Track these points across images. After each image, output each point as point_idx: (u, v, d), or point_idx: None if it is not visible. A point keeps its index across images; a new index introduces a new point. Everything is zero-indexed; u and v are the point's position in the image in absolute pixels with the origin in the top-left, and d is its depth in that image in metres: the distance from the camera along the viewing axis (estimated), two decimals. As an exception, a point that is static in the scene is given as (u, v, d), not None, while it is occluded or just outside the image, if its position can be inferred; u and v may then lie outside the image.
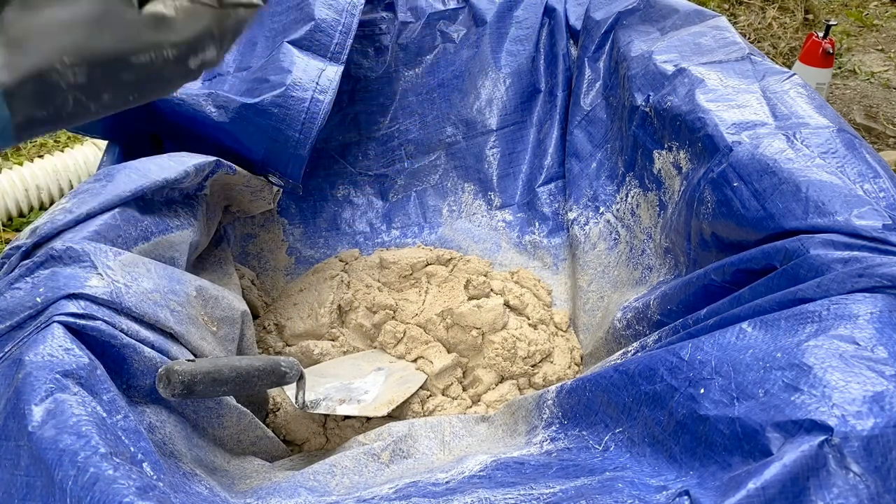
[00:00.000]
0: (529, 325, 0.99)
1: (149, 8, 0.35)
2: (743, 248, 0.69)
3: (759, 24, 2.33)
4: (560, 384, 0.71)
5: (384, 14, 1.24)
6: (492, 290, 1.01)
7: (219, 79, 1.02)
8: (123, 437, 0.54)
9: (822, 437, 0.44)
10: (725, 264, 0.69)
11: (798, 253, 0.61)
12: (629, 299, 0.91)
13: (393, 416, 0.88)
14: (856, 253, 0.58)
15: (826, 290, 0.55)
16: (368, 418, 0.88)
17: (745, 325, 0.57)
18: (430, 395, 0.92)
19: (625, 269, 0.98)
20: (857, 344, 0.50)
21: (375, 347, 0.99)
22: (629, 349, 0.78)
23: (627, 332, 0.87)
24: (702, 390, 0.54)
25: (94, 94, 0.33)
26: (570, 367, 0.97)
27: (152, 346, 0.64)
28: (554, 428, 0.69)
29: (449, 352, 0.97)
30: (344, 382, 0.89)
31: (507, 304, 1.00)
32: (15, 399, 0.52)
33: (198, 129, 0.97)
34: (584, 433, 0.64)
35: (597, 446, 0.61)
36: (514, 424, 0.77)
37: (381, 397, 0.87)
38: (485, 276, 1.06)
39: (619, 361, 0.72)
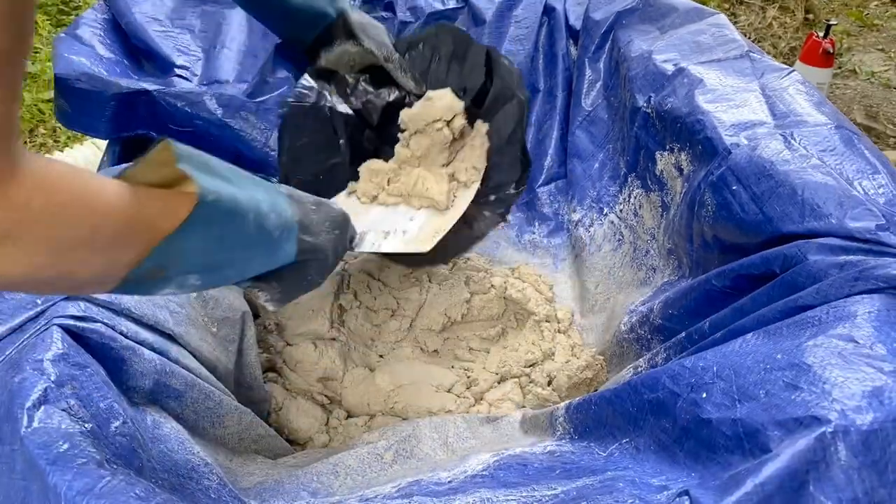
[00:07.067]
0: (531, 321, 0.99)
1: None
2: (744, 251, 0.70)
3: (759, 23, 2.33)
4: (567, 402, 0.71)
5: (383, 14, 1.24)
6: (492, 286, 1.01)
7: (217, 85, 1.02)
8: (121, 442, 0.54)
9: (821, 431, 0.45)
10: (726, 270, 0.70)
11: (797, 259, 0.61)
12: (634, 301, 0.91)
13: (397, 415, 0.88)
14: (851, 257, 0.58)
15: (825, 296, 0.56)
16: (370, 417, 0.88)
17: (748, 336, 0.57)
18: (435, 393, 0.92)
19: (629, 269, 0.98)
20: (856, 342, 0.50)
21: (375, 348, 0.98)
22: (639, 364, 0.78)
23: (631, 335, 0.87)
24: (704, 394, 0.54)
25: None
26: (571, 364, 0.97)
27: (151, 348, 0.64)
28: (564, 441, 0.69)
29: (450, 351, 0.96)
30: (385, 215, 0.84)
31: (508, 299, 0.99)
32: (10, 403, 0.51)
33: (198, 129, 0.98)
34: (592, 444, 0.64)
35: (601, 453, 0.61)
36: (522, 436, 0.77)
37: (425, 227, 0.82)
38: (485, 272, 1.06)
39: (628, 379, 0.72)
